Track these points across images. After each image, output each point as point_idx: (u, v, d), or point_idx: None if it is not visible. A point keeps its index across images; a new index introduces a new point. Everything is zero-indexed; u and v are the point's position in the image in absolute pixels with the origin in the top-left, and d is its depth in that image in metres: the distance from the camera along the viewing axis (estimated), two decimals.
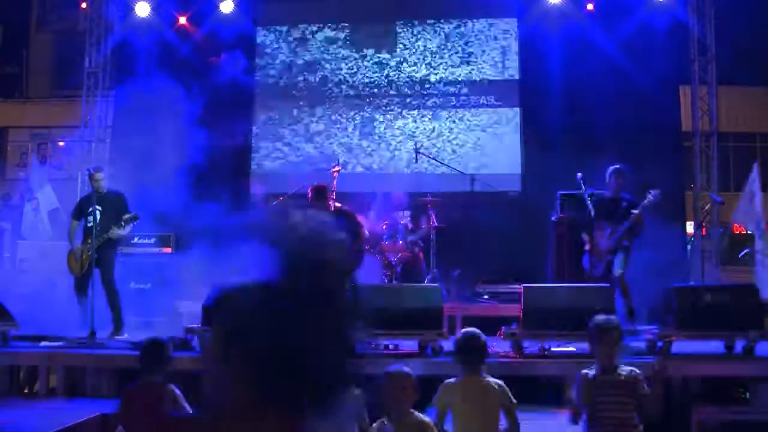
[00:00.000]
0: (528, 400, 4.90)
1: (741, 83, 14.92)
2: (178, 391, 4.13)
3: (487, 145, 10.80)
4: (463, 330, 4.15)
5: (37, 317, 7.26)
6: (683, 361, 5.50)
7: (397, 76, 11.20)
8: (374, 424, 3.50)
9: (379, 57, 11.26)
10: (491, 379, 3.85)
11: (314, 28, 11.38)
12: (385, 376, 3.46)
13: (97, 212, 7.39)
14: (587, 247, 7.04)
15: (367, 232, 8.09)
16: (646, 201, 6.85)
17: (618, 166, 7.14)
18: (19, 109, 16.34)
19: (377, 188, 10.00)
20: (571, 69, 10.32)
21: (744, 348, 5.55)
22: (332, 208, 7.52)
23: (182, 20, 11.20)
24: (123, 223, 7.37)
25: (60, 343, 6.43)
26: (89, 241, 7.35)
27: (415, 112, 11.08)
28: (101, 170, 7.69)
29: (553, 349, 5.83)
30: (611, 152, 7.78)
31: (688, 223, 10.67)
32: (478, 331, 4.04)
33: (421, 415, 3.46)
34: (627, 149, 7.73)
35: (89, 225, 7.43)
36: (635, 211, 6.84)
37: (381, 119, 11.12)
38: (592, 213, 7.18)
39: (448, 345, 5.73)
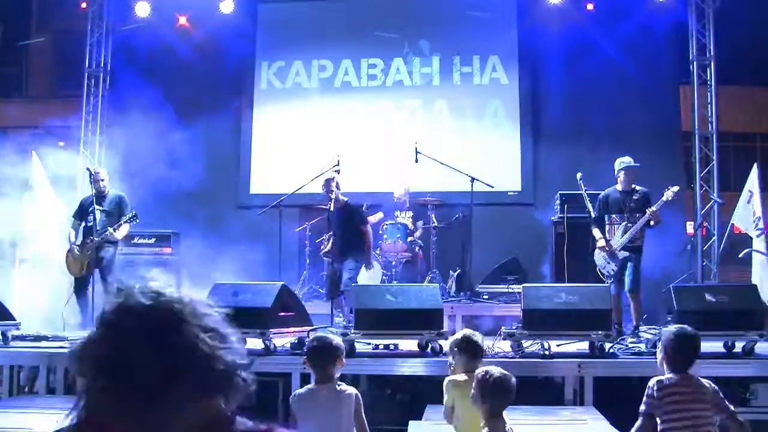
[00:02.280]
0: (528, 400, 4.91)
1: (741, 83, 14.92)
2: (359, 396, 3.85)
3: (487, 145, 10.79)
4: (461, 332, 4.16)
5: (37, 317, 7.26)
6: None
7: (398, 76, 11.20)
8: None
9: (380, 59, 11.27)
10: None
11: (315, 29, 11.38)
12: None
13: (98, 212, 7.40)
14: (600, 243, 6.94)
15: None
16: (664, 198, 6.77)
17: (627, 160, 7.08)
18: (19, 109, 16.34)
19: (377, 188, 10.02)
20: (571, 69, 10.32)
21: (744, 348, 5.55)
22: (334, 202, 7.57)
23: (182, 20, 11.19)
24: (122, 223, 7.37)
25: (60, 343, 6.43)
26: (89, 241, 7.34)
27: (415, 111, 11.08)
28: (104, 171, 7.73)
29: (553, 349, 5.83)
30: (611, 152, 7.76)
31: (688, 223, 10.68)
32: (471, 331, 4.09)
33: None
34: (627, 149, 7.71)
35: (89, 225, 7.43)
36: (651, 209, 6.74)
37: (381, 119, 11.12)
38: (593, 212, 7.14)
39: (447, 345, 5.74)
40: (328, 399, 3.72)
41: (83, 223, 7.61)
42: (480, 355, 4.01)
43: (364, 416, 3.78)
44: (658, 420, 3.57)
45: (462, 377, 3.82)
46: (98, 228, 7.35)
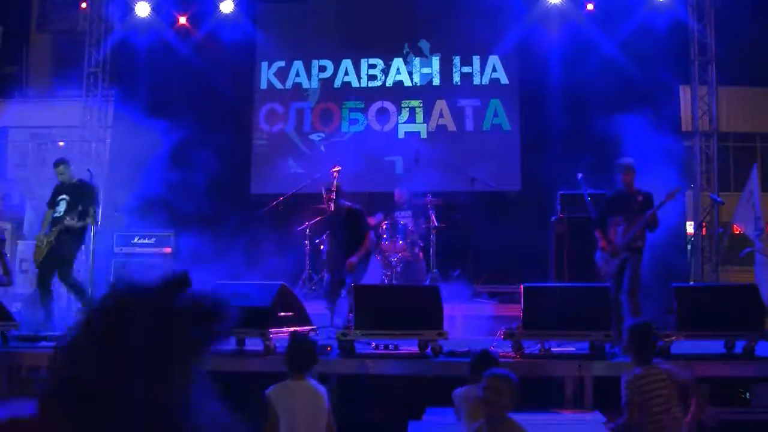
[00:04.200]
0: (528, 400, 4.91)
1: (741, 83, 14.89)
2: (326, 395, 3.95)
3: (487, 145, 10.80)
4: (478, 351, 4.28)
5: (37, 317, 7.25)
6: (683, 362, 5.50)
7: (398, 76, 11.21)
8: (473, 425, 3.47)
9: (380, 59, 11.27)
10: None
11: (314, 29, 11.38)
12: (485, 378, 3.39)
13: (64, 202, 7.34)
14: (601, 243, 6.93)
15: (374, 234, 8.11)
16: (666, 200, 6.76)
17: (627, 160, 7.07)
18: (19, 109, 16.32)
19: (377, 188, 10.01)
20: (571, 69, 10.32)
21: (744, 348, 5.54)
22: (332, 207, 7.52)
23: (182, 20, 11.21)
24: (77, 217, 7.24)
25: None
26: (52, 230, 7.29)
27: (416, 111, 11.08)
28: (64, 162, 7.57)
29: (553, 349, 5.83)
30: (611, 152, 7.76)
31: (688, 223, 10.67)
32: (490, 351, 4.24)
33: (518, 422, 3.37)
34: (627, 149, 7.72)
35: (56, 215, 7.36)
36: (651, 212, 6.74)
37: (382, 119, 11.12)
38: (594, 212, 7.13)
39: (448, 345, 5.73)
40: (304, 396, 3.79)
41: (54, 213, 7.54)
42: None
43: (332, 415, 3.90)
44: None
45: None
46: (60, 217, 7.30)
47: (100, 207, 8.83)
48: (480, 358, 4.12)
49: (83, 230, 7.43)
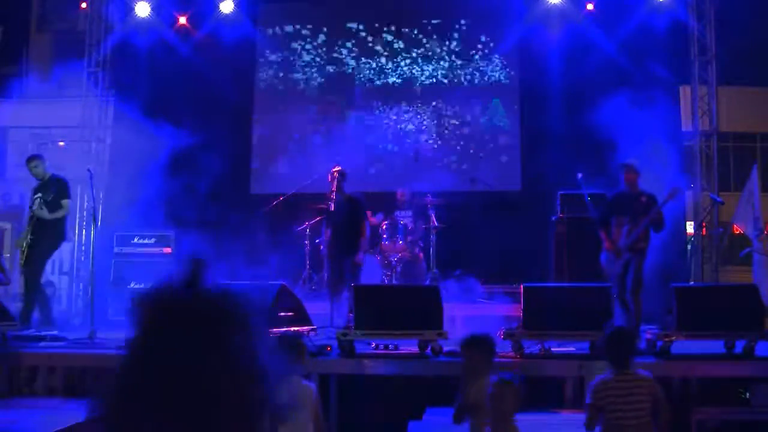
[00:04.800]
0: (528, 400, 4.91)
1: (741, 83, 14.89)
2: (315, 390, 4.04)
3: (487, 145, 10.80)
4: (469, 335, 4.19)
5: (37, 317, 7.26)
6: (683, 362, 5.51)
7: (398, 76, 11.20)
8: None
9: (379, 58, 11.27)
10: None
11: (315, 30, 11.38)
12: (491, 384, 3.45)
13: (39, 199, 7.34)
14: (606, 245, 6.92)
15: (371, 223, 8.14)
16: (667, 197, 6.76)
17: (628, 161, 7.06)
18: (19, 109, 16.33)
19: (377, 188, 10.01)
20: (571, 69, 10.31)
21: (744, 348, 5.54)
22: (332, 208, 7.52)
23: (182, 20, 11.20)
24: (45, 207, 7.25)
25: (60, 343, 6.43)
26: (27, 228, 7.30)
27: (416, 111, 11.09)
28: (36, 158, 7.55)
29: (553, 349, 5.83)
30: (611, 152, 7.76)
31: (688, 223, 10.67)
32: (486, 335, 4.12)
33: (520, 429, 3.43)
34: (627, 149, 7.72)
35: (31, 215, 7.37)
36: (655, 209, 6.73)
37: (382, 119, 11.12)
38: (597, 213, 7.13)
39: (448, 345, 5.73)
40: (292, 393, 3.81)
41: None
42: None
43: (320, 410, 3.95)
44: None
45: None
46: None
47: (100, 204, 8.83)
48: (470, 340, 4.07)
49: (59, 225, 7.41)
